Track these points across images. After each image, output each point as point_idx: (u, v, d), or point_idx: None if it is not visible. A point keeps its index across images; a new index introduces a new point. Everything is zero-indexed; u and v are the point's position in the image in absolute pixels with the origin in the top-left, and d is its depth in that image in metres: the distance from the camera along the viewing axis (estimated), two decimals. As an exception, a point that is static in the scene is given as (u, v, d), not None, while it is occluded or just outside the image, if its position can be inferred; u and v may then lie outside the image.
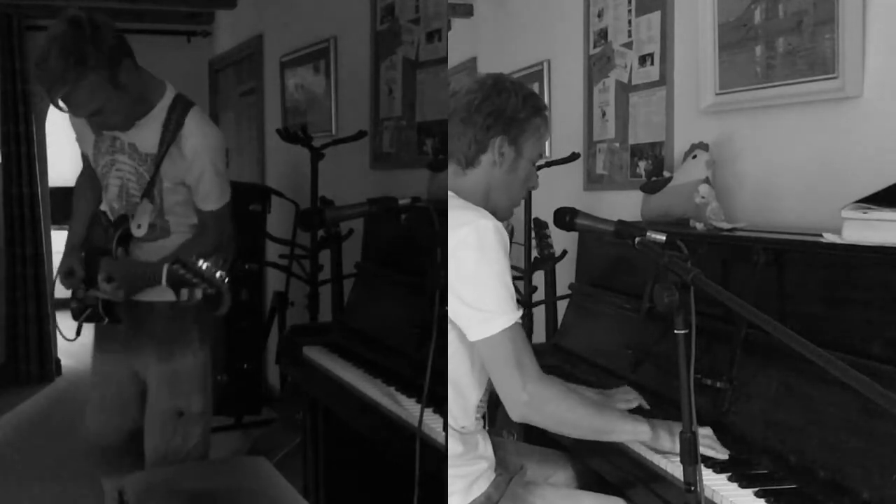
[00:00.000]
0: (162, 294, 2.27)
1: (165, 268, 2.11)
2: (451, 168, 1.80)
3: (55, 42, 2.10)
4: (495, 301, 1.62)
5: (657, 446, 1.68)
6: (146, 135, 2.33)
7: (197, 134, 2.33)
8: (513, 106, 1.75)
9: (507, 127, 1.75)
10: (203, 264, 2.05)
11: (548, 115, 1.85)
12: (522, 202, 2.19)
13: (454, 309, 1.65)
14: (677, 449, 1.48)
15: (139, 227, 2.37)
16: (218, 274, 2.07)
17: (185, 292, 2.12)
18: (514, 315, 1.63)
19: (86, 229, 2.52)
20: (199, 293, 2.11)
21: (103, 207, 2.51)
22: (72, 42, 2.10)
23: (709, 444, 1.65)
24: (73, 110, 2.24)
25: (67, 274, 2.43)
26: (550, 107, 3.71)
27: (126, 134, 2.35)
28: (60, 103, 2.18)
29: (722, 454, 1.65)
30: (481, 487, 1.75)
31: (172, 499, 2.21)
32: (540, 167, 1.94)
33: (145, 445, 2.46)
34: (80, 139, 2.51)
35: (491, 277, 1.63)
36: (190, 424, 2.45)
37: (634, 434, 1.68)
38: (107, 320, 2.43)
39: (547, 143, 1.93)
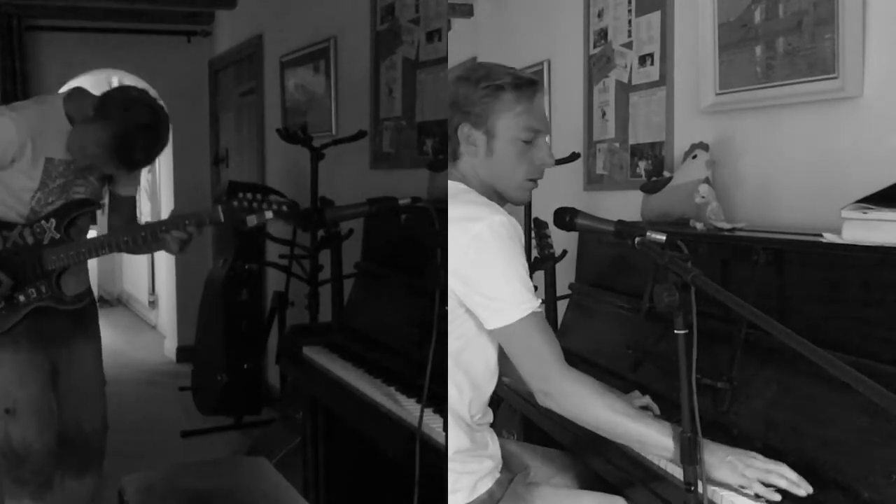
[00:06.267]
0: (87, 279, 2.59)
1: (220, 207, 2.24)
2: (449, 164, 1.83)
3: (155, 108, 2.32)
4: (511, 291, 1.64)
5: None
6: None
7: None
8: (464, 93, 1.74)
9: (465, 114, 1.74)
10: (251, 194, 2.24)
11: (526, 88, 1.74)
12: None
13: (471, 300, 1.67)
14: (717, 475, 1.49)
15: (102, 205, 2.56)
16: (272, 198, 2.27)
17: (252, 218, 2.24)
18: (531, 304, 1.64)
19: None
20: (269, 214, 2.24)
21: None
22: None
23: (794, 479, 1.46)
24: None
25: None
26: (550, 107, 3.72)
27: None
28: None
29: (804, 489, 1.45)
30: (486, 485, 1.75)
31: (172, 499, 2.22)
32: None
33: (84, 422, 2.57)
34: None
35: (507, 269, 1.65)
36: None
37: (661, 449, 1.59)
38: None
39: (544, 115, 1.80)
